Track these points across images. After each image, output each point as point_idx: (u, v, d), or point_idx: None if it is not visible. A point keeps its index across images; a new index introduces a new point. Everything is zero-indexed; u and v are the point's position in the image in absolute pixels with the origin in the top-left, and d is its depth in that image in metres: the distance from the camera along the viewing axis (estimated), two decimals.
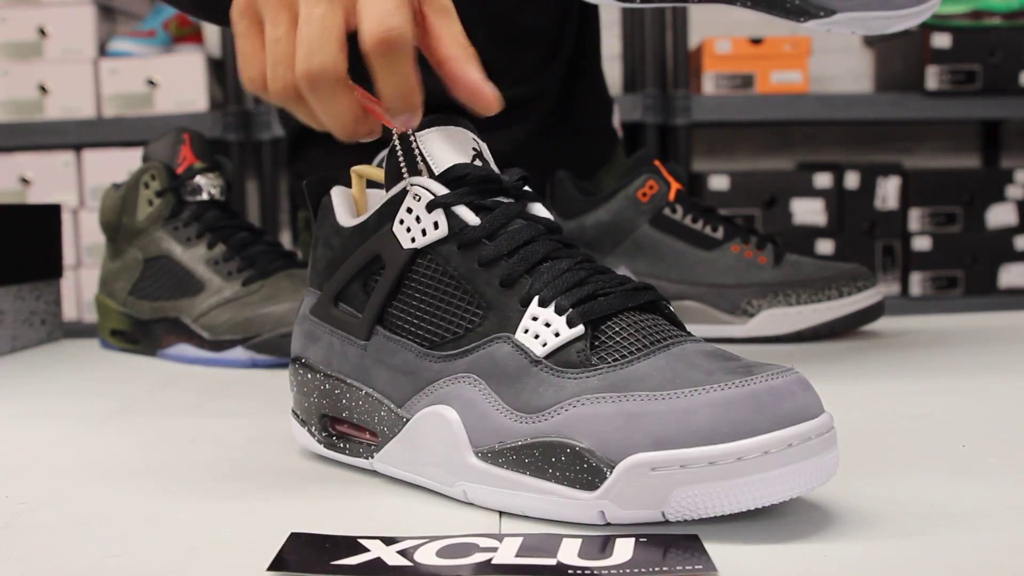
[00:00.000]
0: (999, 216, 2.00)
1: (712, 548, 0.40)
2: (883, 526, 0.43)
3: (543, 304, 0.47)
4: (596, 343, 0.45)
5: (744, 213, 1.94)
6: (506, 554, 0.39)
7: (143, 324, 0.97)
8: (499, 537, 0.42)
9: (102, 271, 1.03)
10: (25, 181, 1.94)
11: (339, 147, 0.60)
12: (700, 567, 0.38)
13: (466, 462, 0.46)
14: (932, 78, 1.92)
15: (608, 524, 0.43)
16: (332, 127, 0.49)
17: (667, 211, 0.97)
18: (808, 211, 1.97)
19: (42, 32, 1.94)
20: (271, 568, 0.39)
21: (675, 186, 0.98)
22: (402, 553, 0.40)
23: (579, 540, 0.41)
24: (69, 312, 1.88)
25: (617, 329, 0.46)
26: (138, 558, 0.42)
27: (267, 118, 1.92)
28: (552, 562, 0.39)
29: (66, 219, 1.88)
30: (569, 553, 0.39)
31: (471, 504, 0.47)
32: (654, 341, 0.45)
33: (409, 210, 0.50)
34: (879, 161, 2.21)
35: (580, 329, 0.45)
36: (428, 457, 0.49)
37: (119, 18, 2.07)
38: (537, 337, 0.46)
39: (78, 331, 1.25)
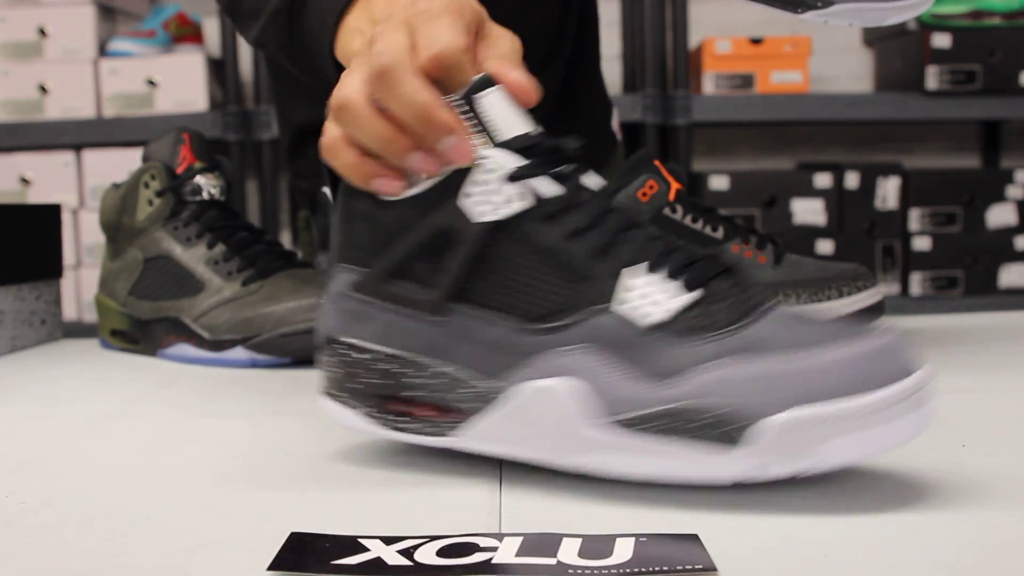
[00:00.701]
0: (999, 216, 2.00)
1: (712, 548, 0.40)
2: (882, 526, 0.43)
3: (652, 271, 0.48)
4: (700, 308, 0.47)
5: (744, 213, 1.94)
6: (506, 554, 0.39)
7: (143, 324, 0.97)
8: (499, 537, 0.42)
9: (102, 271, 1.03)
10: (25, 181, 1.94)
11: None
12: (700, 567, 0.38)
13: (589, 433, 0.47)
14: (932, 78, 1.92)
15: (743, 484, 0.45)
16: (407, 114, 0.49)
17: (667, 211, 0.97)
18: (808, 211, 1.97)
19: (42, 32, 1.94)
20: (271, 568, 0.39)
21: (675, 186, 0.98)
22: (402, 553, 0.40)
23: (579, 540, 0.41)
24: (69, 312, 1.88)
25: (716, 292, 0.47)
26: (138, 558, 0.42)
27: (267, 118, 1.92)
28: (552, 562, 0.39)
29: (66, 219, 1.88)
30: (569, 553, 0.39)
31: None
32: (753, 305, 0.47)
33: (483, 182, 0.49)
34: (879, 161, 2.21)
35: (696, 294, 0.47)
36: (537, 430, 0.48)
37: (119, 18, 2.07)
38: (650, 305, 0.47)
39: (78, 331, 1.25)
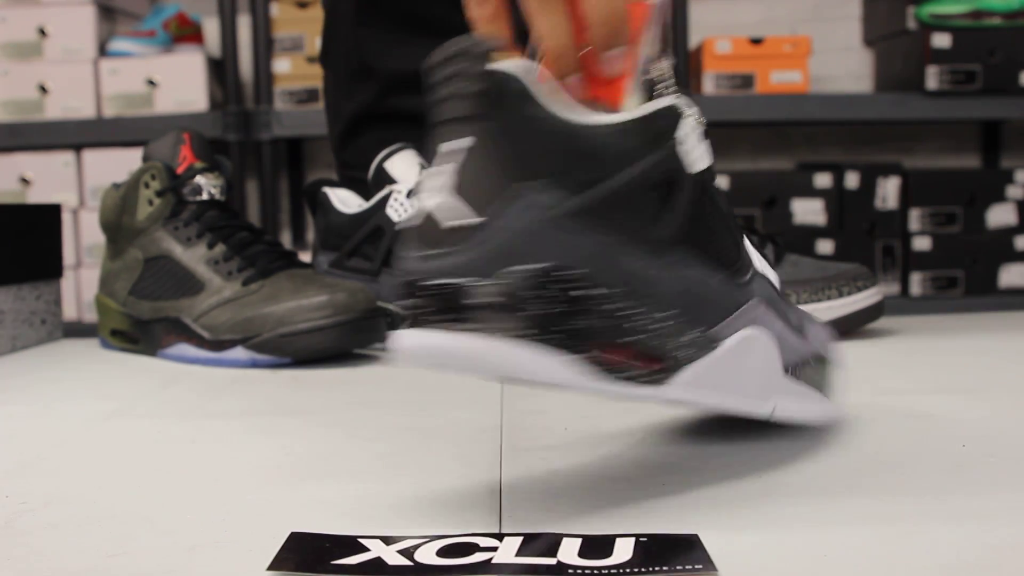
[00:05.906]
0: (999, 216, 2.00)
1: (712, 548, 0.40)
2: (883, 525, 0.43)
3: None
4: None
5: (744, 213, 1.94)
6: (506, 554, 0.39)
7: (143, 324, 0.97)
8: (499, 537, 0.42)
9: (102, 271, 1.03)
10: (25, 181, 1.94)
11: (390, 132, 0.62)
12: (700, 567, 0.38)
13: (781, 379, 0.52)
14: (932, 78, 1.92)
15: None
16: None
17: None
18: (808, 211, 1.97)
19: (42, 32, 1.94)
20: (271, 568, 0.39)
21: None
22: (402, 553, 0.40)
23: (579, 540, 0.41)
24: (69, 312, 1.88)
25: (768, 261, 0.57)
26: (138, 558, 0.42)
27: (267, 118, 1.92)
28: (552, 562, 0.39)
29: (66, 219, 1.88)
30: (569, 553, 0.39)
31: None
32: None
33: (688, 135, 0.48)
34: (879, 161, 2.21)
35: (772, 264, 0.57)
36: (747, 378, 0.50)
37: (119, 18, 2.07)
38: (770, 269, 0.54)
39: (78, 331, 1.25)
